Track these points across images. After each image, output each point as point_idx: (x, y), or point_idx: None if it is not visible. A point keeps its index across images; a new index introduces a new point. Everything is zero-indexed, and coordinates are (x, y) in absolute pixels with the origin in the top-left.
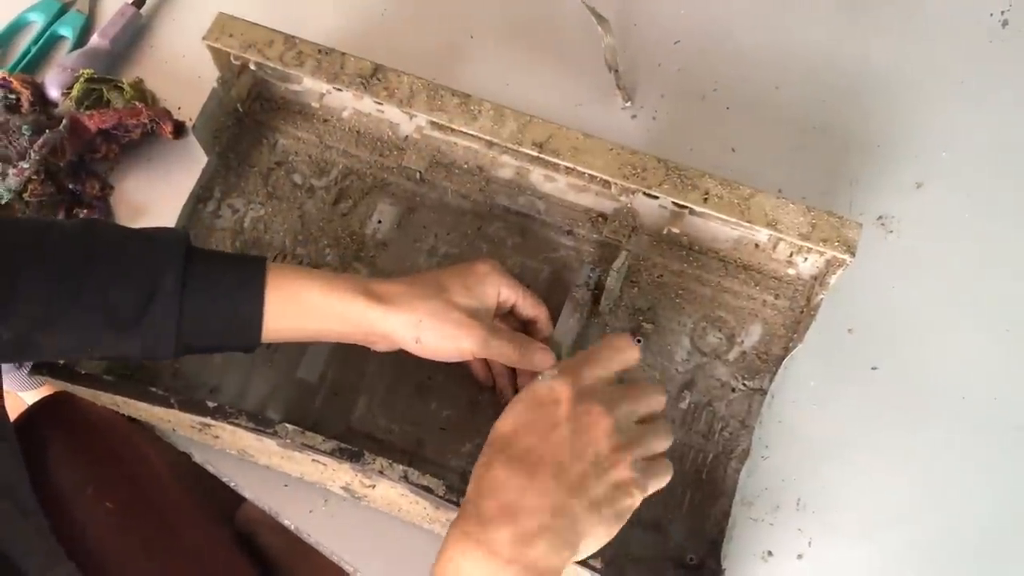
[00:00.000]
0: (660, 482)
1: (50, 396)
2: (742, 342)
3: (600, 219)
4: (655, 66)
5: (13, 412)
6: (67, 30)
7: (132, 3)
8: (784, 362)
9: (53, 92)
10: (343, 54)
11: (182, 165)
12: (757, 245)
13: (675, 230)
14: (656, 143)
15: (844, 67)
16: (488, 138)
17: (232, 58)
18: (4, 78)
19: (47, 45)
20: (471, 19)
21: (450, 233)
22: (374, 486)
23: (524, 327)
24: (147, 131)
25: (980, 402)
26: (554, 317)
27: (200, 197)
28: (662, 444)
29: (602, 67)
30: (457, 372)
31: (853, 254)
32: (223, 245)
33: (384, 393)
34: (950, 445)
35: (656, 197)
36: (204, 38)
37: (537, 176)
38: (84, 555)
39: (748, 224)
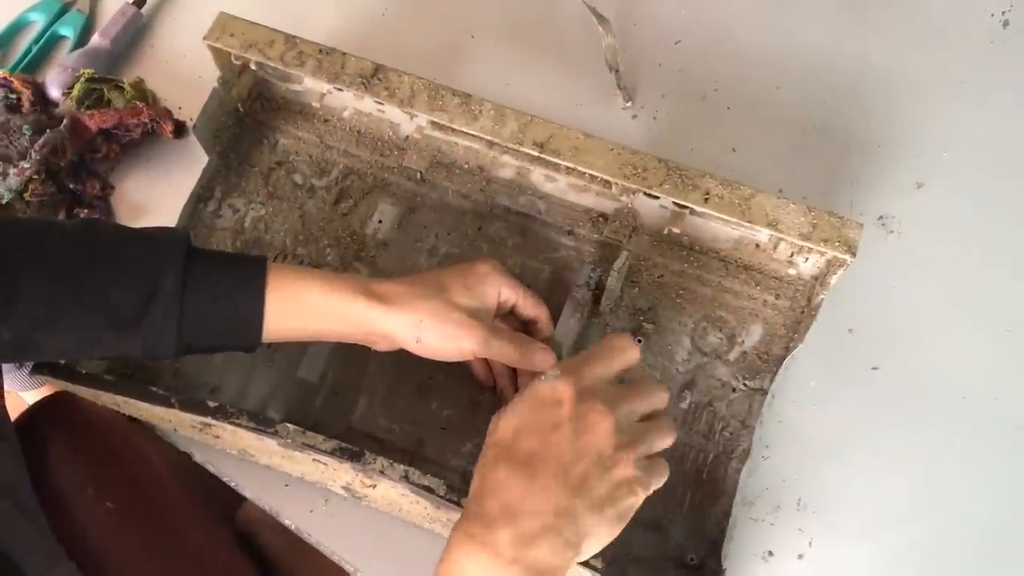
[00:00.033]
0: (660, 480)
1: (51, 396)
2: (743, 342)
3: (601, 219)
4: (656, 66)
5: (14, 412)
6: (68, 30)
7: (133, 3)
8: (785, 362)
9: (54, 92)
10: (344, 54)
11: (183, 165)
12: (758, 245)
13: (676, 230)
14: (657, 143)
15: (845, 67)
16: (489, 138)
17: (233, 58)
18: (5, 78)
19: (48, 45)
20: (472, 19)
21: (451, 233)
22: (375, 486)
23: (525, 327)
24: (148, 131)
25: (980, 402)
26: (555, 317)
27: (201, 197)
28: (666, 441)
29: (603, 67)
30: (458, 372)
31: (854, 254)
32: (224, 245)
33: (385, 393)
34: (950, 445)
35: (657, 197)
36: (205, 38)
37: (538, 176)
38: (84, 555)
39: (749, 224)
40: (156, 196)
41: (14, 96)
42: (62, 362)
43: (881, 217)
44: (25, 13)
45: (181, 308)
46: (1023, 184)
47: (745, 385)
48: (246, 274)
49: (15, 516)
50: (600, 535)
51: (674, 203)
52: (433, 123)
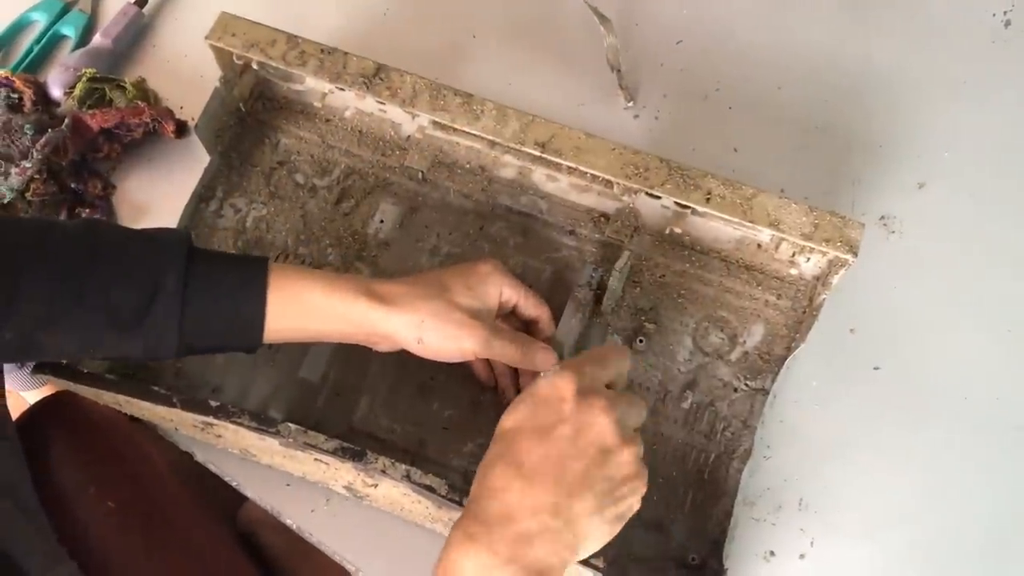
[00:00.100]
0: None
1: (52, 395)
2: (744, 342)
3: (602, 219)
4: (657, 66)
5: (15, 411)
6: (69, 29)
7: (134, 2)
8: (786, 362)
9: (55, 91)
10: (345, 54)
11: (184, 164)
12: (759, 245)
13: (677, 230)
14: (658, 143)
15: (846, 67)
16: (490, 138)
17: (235, 57)
18: (7, 77)
19: (49, 44)
20: (473, 19)
21: (452, 233)
22: (376, 485)
23: (526, 327)
24: (149, 130)
25: (982, 402)
26: (556, 317)
27: (202, 197)
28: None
29: (604, 67)
30: (459, 372)
31: (855, 254)
32: (225, 245)
33: (386, 393)
34: (952, 445)
35: (658, 197)
36: (207, 37)
37: (539, 176)
38: (86, 554)
39: (750, 224)
40: (158, 196)
41: (16, 96)
42: (64, 362)
43: (883, 217)
44: (27, 13)
45: (182, 308)
46: None
47: (747, 385)
48: (248, 274)
49: (16, 516)
50: (599, 535)
51: (676, 203)
52: (435, 123)
